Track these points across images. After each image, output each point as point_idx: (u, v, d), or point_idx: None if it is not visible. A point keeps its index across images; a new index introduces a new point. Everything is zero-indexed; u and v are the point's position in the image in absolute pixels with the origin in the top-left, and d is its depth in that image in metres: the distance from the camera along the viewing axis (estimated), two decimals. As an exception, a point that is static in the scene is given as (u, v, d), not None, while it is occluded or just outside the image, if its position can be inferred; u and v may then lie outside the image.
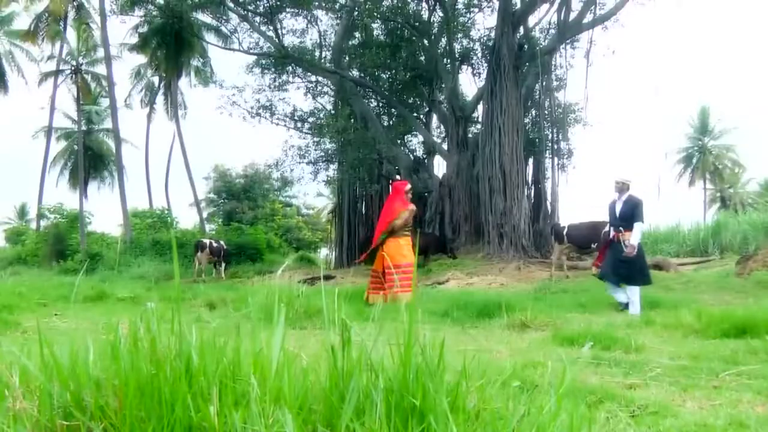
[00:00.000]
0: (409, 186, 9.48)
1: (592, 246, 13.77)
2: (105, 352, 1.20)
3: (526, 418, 1.18)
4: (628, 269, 7.86)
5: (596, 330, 4.96)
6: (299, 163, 26.54)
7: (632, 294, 7.82)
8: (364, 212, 27.81)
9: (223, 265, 21.10)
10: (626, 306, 7.80)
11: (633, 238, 7.80)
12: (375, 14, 21.66)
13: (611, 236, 8.15)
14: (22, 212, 56.76)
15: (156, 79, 37.98)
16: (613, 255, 7.99)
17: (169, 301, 9.33)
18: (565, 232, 14.68)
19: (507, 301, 6.91)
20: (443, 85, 23.88)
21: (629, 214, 7.89)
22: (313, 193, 74.97)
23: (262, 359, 1.15)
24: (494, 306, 6.79)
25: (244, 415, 1.02)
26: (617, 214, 8.03)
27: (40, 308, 7.56)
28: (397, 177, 25.67)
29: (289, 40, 24.82)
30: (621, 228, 7.94)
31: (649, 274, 8.08)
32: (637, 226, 7.87)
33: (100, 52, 32.25)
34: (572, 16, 20.15)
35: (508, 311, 6.21)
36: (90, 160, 39.43)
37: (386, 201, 9.77)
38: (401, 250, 8.77)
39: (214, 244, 21.11)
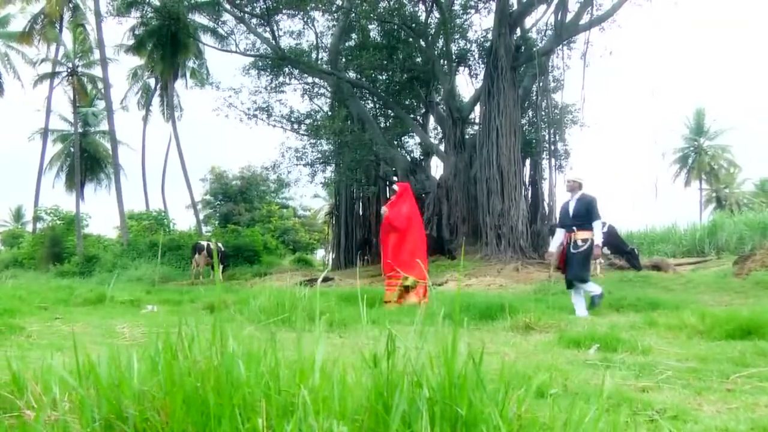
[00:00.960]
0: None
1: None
2: (143, 363, 1.19)
3: (568, 425, 1.18)
4: (572, 268, 7.76)
5: (601, 332, 4.94)
6: (296, 165, 26.52)
7: (580, 293, 7.77)
8: (361, 214, 27.81)
9: (221, 267, 20.99)
10: (592, 302, 7.72)
11: (596, 238, 7.70)
12: (372, 15, 21.64)
13: (564, 240, 7.97)
14: (18, 215, 56.60)
15: (152, 81, 37.92)
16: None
17: (171, 304, 9.32)
18: (563, 233, 14.67)
19: (509, 302, 6.90)
20: (440, 87, 23.89)
21: (583, 212, 7.80)
22: (309, 195, 75.08)
23: (305, 369, 1.14)
24: (496, 308, 6.77)
25: (295, 427, 1.02)
26: (571, 214, 7.92)
27: (41, 312, 7.51)
28: (395, 178, 25.69)
29: (285, 42, 24.82)
30: (574, 228, 7.82)
31: (587, 275, 7.93)
32: (596, 224, 7.78)
33: (97, 54, 32.19)
34: (569, 17, 20.17)
35: (510, 313, 6.19)
36: (86, 162, 39.31)
37: (406, 205, 8.95)
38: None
39: (212, 246, 21.00)
